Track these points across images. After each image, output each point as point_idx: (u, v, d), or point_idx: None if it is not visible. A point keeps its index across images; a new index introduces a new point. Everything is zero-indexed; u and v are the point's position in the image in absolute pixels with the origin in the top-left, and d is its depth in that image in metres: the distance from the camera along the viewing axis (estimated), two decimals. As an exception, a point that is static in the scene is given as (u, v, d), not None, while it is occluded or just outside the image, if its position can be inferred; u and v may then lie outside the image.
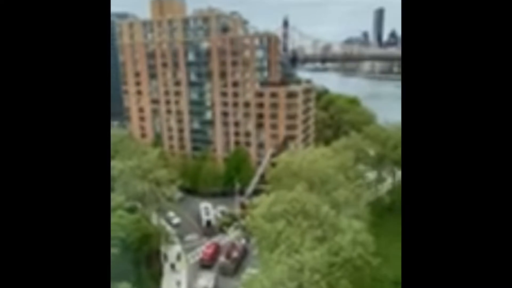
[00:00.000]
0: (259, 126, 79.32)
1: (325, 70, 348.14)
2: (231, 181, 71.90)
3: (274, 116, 77.04)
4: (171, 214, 66.70)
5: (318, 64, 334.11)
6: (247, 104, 79.34)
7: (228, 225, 64.66)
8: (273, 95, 76.16)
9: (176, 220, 66.49)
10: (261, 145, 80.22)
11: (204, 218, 64.19)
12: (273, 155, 72.82)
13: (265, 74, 78.78)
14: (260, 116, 78.55)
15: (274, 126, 77.72)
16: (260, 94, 77.66)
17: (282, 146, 75.73)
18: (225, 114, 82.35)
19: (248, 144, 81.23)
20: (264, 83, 77.97)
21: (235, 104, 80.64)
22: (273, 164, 67.29)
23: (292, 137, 76.59)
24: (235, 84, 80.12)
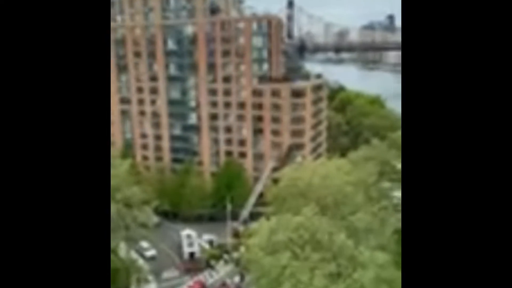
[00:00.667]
0: (257, 132, 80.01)
1: (340, 62, 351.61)
2: (221, 202, 71.87)
3: (276, 120, 77.73)
4: (144, 244, 65.86)
5: (332, 55, 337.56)
6: (241, 105, 79.93)
7: (218, 258, 64.28)
8: (275, 93, 76.86)
9: (150, 252, 65.93)
10: (259, 157, 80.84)
11: (187, 249, 63.98)
12: (275, 169, 73.43)
13: (265, 67, 79.51)
14: (259, 119, 79.12)
15: (276, 133, 78.34)
16: (258, 93, 78.28)
17: (286, 158, 76.23)
18: (214, 117, 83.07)
19: (242, 155, 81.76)
20: (263, 79, 78.74)
21: (227, 105, 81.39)
22: (274, 181, 67.33)
23: (299, 146, 77.29)
24: (226, 79, 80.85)
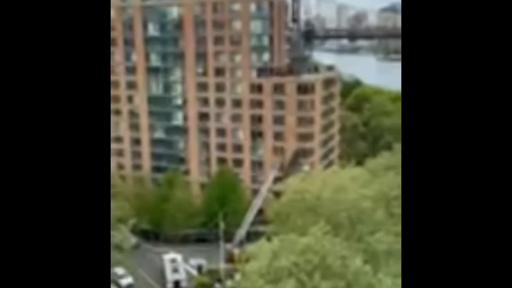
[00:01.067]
0: (256, 135, 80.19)
1: (356, 51, 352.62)
2: (213, 219, 71.59)
3: (278, 120, 77.95)
4: (119, 270, 65.53)
5: (346, 42, 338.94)
6: (237, 103, 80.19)
7: (208, 287, 64.23)
8: (278, 88, 77.19)
9: (126, 280, 65.44)
10: (258, 165, 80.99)
11: (171, 276, 63.59)
12: (277, 180, 73.47)
13: (265, 57, 79.92)
14: (258, 120, 79.26)
15: (278, 136, 78.51)
16: (257, 88, 78.44)
17: (291, 166, 76.22)
18: (204, 116, 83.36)
19: (238, 162, 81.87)
20: (263, 71, 78.94)
21: (220, 102, 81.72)
22: (276, 194, 67.27)
23: (306, 153, 77.44)
24: (219, 71, 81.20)
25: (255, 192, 78.19)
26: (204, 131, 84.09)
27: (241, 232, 71.07)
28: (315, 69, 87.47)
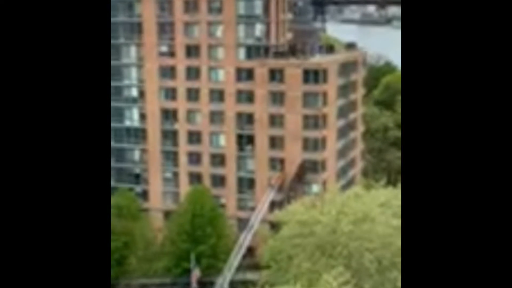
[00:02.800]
0: (245, 141, 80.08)
1: (386, 23, 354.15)
2: (182, 263, 71.67)
3: (276, 120, 77.96)
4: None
5: (373, 10, 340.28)
6: (218, 95, 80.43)
7: None
8: (276, 75, 77.09)
9: None
10: (247, 183, 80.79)
11: None
12: (275, 206, 73.22)
13: (259, 30, 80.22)
14: (247, 120, 79.36)
15: (276, 143, 78.48)
16: (247, 74, 78.51)
17: (295, 186, 76.02)
18: (169, 114, 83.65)
19: (219, 180, 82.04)
20: (256, 50, 79.12)
21: (193, 94, 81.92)
22: (273, 226, 66.85)
23: (316, 166, 77.26)
24: (192, 50, 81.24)
25: (242, 222, 77.84)
26: (170, 136, 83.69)
27: (222, 282, 70.54)
28: (330, 48, 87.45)
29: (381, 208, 54.92)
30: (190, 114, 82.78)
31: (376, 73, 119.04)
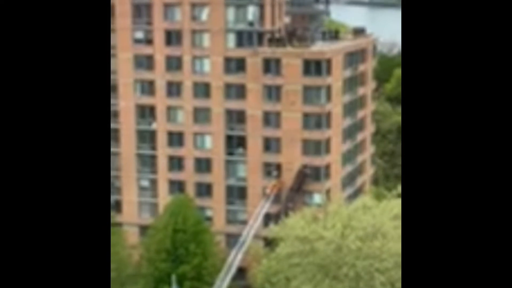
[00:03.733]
0: (235, 144, 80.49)
1: (399, 4, 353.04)
2: (162, 285, 70.90)
3: (272, 118, 78.27)
4: None
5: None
6: (204, 89, 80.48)
7: None
8: (271, 66, 77.29)
9: None
10: (238, 193, 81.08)
11: None
12: (270, 219, 73.55)
13: (251, 15, 80.00)
14: (238, 118, 79.68)
15: (272, 145, 78.90)
16: (237, 64, 78.79)
17: (293, 196, 76.26)
18: (146, 112, 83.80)
19: (205, 189, 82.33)
20: (248, 36, 79.19)
21: (174, 89, 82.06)
22: (268, 242, 67.88)
23: (318, 173, 77.61)
24: (173, 36, 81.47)
25: (232, 238, 77.78)
26: (148, 137, 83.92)
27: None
28: (335, 34, 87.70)
29: (394, 222, 55.24)
30: (171, 111, 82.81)
31: (388, 64, 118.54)
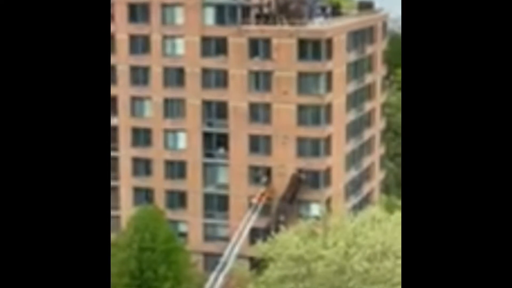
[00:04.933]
0: (214, 142, 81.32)
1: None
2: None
3: (259, 111, 79.16)
4: None
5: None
6: (176, 75, 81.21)
7: None
8: (259, 47, 78.15)
9: None
10: (219, 201, 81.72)
11: None
12: (258, 234, 74.15)
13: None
14: (218, 112, 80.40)
15: (259, 143, 79.78)
16: (217, 45, 79.50)
17: (286, 207, 76.86)
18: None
19: (178, 198, 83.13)
20: (230, 10, 79.42)
21: (139, 75, 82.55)
22: (255, 264, 69.09)
23: (316, 178, 78.34)
24: (136, 9, 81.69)
25: (211, 259, 78.29)
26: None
27: None
28: (336, 9, 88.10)
29: None
30: (136, 103, 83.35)
31: (401, 46, 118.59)
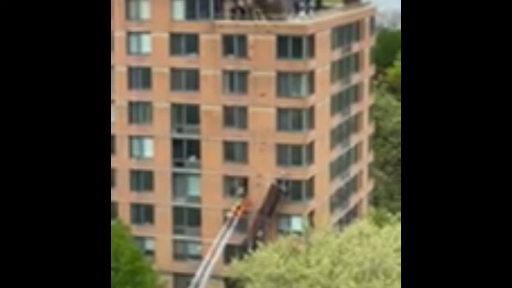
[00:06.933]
0: (185, 150, 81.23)
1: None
2: None
3: (235, 115, 78.87)
4: None
5: None
6: (144, 75, 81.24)
7: None
8: (233, 44, 78.17)
9: None
10: (190, 215, 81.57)
11: None
12: (233, 251, 73.63)
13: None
14: (189, 116, 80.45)
15: (235, 150, 79.73)
16: (188, 41, 79.63)
17: (264, 221, 76.74)
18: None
19: (143, 212, 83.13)
20: (202, 3, 79.16)
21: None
22: (229, 284, 68.85)
23: (298, 189, 78.17)
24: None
25: (182, 279, 78.63)
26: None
27: None
28: (319, 2, 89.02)
29: (400, 255, 55.00)
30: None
31: (391, 42, 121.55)
